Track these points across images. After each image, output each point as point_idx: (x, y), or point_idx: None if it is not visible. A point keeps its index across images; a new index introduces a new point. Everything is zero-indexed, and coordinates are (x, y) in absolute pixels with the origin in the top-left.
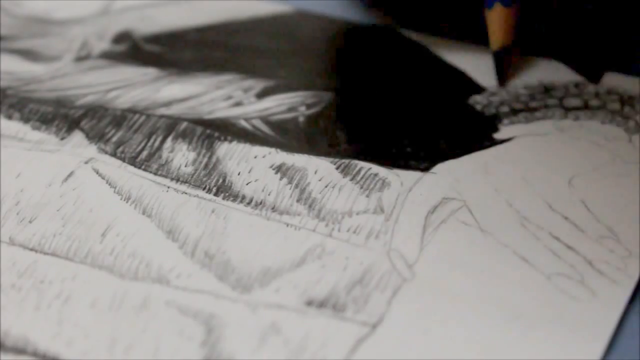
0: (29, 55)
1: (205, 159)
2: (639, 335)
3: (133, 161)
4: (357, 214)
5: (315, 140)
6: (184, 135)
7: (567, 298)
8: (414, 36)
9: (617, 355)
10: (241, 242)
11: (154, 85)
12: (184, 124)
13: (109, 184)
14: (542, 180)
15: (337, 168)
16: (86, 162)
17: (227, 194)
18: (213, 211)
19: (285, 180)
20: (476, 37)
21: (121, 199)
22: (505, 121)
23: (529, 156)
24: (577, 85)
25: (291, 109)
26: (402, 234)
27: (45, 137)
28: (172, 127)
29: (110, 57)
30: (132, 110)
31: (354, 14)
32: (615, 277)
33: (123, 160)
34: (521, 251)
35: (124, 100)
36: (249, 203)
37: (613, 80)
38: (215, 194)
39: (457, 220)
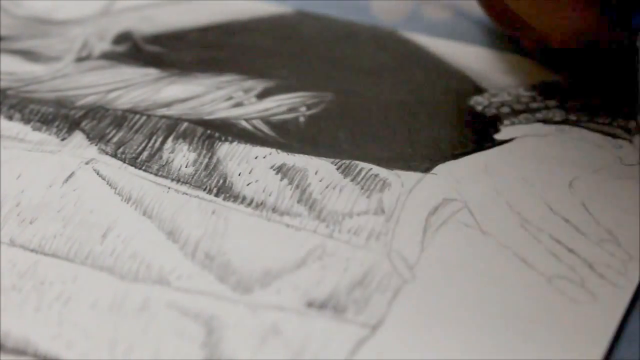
0: (30, 55)
1: (206, 160)
2: (639, 339)
3: (134, 162)
4: (358, 215)
5: (315, 141)
6: (184, 136)
7: (568, 300)
8: (415, 37)
9: (617, 359)
10: (242, 243)
11: (155, 85)
12: (185, 125)
13: (110, 185)
14: (542, 181)
15: (337, 169)
16: (87, 163)
17: (227, 195)
18: (214, 212)
19: (285, 181)
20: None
21: (122, 200)
22: (506, 122)
23: (530, 157)
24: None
25: (292, 110)
26: (402, 235)
27: (45, 138)
28: (173, 127)
29: (111, 57)
30: (133, 111)
31: (354, 15)
32: (616, 281)
33: (124, 161)
34: (522, 253)
35: (124, 100)
36: (249, 204)
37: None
38: (216, 195)
39: (458, 222)
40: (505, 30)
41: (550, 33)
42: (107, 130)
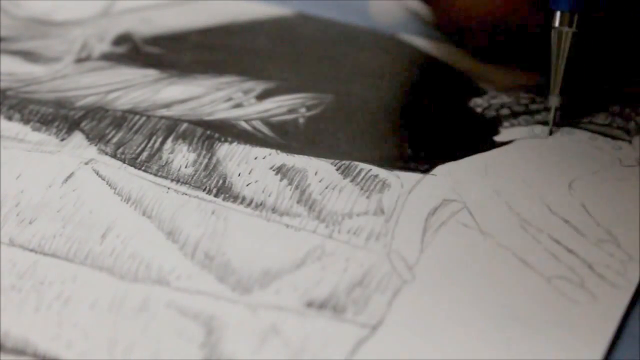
0: (30, 56)
1: (206, 160)
2: (639, 339)
3: (133, 162)
4: (358, 215)
5: (315, 142)
6: (184, 137)
7: (567, 301)
8: (414, 39)
9: (616, 359)
10: (241, 243)
11: (154, 86)
12: (184, 125)
13: (109, 185)
14: (542, 182)
15: (337, 169)
16: (86, 163)
17: (227, 195)
18: (213, 212)
19: (285, 181)
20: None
21: (121, 200)
22: (506, 124)
23: (529, 159)
24: None
25: (291, 111)
26: (402, 236)
27: (45, 138)
28: (173, 128)
29: (111, 58)
30: (133, 112)
31: (354, 17)
32: (615, 281)
33: (123, 161)
34: (521, 254)
35: (124, 101)
36: (249, 204)
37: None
38: (216, 195)
39: (458, 222)
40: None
41: (469, 13)
42: (107, 131)
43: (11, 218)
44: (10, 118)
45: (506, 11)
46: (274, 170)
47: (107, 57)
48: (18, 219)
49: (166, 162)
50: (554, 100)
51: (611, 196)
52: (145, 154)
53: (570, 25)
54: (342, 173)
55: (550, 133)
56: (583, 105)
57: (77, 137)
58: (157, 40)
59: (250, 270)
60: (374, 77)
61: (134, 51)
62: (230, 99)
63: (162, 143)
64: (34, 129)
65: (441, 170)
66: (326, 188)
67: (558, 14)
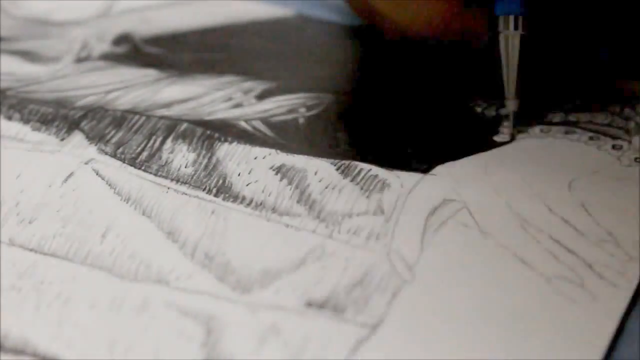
0: (29, 56)
1: (206, 160)
2: (639, 339)
3: (133, 162)
4: (357, 215)
5: (315, 142)
6: (184, 136)
7: (567, 301)
8: None
9: (616, 359)
10: (241, 243)
11: (154, 86)
12: (184, 125)
13: (109, 185)
14: (542, 182)
15: (337, 169)
16: (86, 163)
17: (227, 195)
18: (213, 212)
19: (285, 181)
20: None
21: (121, 200)
22: (506, 123)
23: (529, 158)
24: None
25: (291, 111)
26: (402, 236)
27: (45, 138)
28: (172, 128)
29: (111, 58)
30: (132, 112)
31: (354, 18)
32: (615, 281)
33: (123, 161)
34: (521, 254)
35: (124, 101)
36: (249, 204)
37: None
38: (215, 195)
39: (457, 222)
40: (370, 23)
41: (409, 24)
42: (107, 131)
43: (11, 218)
44: (10, 118)
45: (444, 24)
46: (273, 170)
47: (107, 57)
48: (18, 218)
49: (166, 161)
50: (511, 105)
51: (611, 196)
52: (145, 154)
53: (516, 29)
54: (342, 173)
55: (512, 138)
56: (540, 107)
57: (77, 137)
58: (157, 40)
59: (250, 270)
60: (374, 76)
61: (134, 51)
62: (230, 99)
63: (162, 143)
64: (34, 129)
65: (441, 170)
66: (326, 188)
67: (502, 18)
